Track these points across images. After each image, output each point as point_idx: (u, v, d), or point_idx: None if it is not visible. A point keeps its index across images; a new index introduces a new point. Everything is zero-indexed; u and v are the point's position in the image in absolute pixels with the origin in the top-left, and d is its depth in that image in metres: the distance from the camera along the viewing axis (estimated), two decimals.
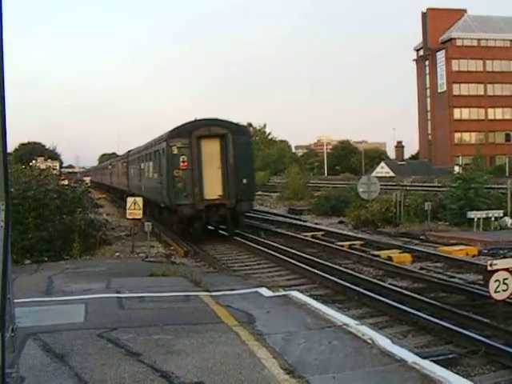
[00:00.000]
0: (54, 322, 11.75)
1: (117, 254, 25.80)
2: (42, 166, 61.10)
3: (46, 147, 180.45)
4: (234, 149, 29.76)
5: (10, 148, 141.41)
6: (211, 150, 30.02)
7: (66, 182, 36.61)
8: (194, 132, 29.66)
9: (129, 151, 55.44)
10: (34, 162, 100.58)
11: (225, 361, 9.02)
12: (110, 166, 75.88)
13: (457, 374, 9.06)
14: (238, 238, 30.46)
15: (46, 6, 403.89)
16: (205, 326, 11.32)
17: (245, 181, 30.05)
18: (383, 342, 9.93)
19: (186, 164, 29.26)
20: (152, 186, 35.98)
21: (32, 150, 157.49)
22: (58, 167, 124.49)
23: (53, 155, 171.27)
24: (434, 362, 9.13)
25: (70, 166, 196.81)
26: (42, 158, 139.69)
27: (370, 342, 9.92)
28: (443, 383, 7.90)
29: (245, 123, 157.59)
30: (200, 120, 31.05)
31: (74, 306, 13.34)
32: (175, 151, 29.54)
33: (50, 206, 24.27)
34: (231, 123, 31.61)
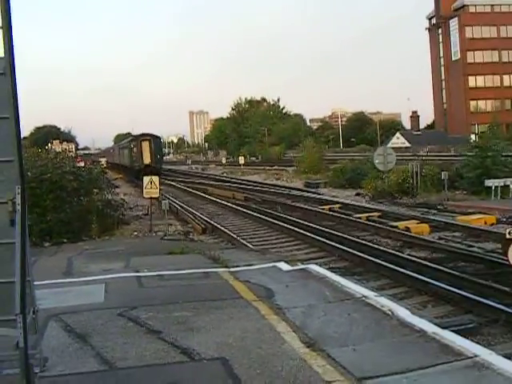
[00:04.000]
0: (74, 302, 11.80)
1: (135, 233, 25.91)
2: (58, 149, 61.32)
3: (62, 130, 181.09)
4: (153, 144, 67.89)
5: (26, 132, 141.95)
6: (146, 145, 66.83)
7: (82, 164, 36.74)
8: (139, 138, 69.34)
9: (117, 143, 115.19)
10: (49, 145, 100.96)
11: (245, 336, 9.04)
12: (111, 150, 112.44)
13: (477, 343, 9.03)
14: (255, 214, 30.59)
15: None
16: (224, 301, 11.34)
17: (158, 156, 68.57)
18: (402, 313, 9.92)
19: (135, 150, 67.60)
20: (125, 159, 75.92)
21: (47, 134, 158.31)
22: (73, 149, 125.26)
23: (68, 138, 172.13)
24: (454, 331, 9.10)
25: (86, 148, 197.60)
26: (58, 141, 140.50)
27: (389, 313, 9.92)
28: (464, 353, 7.88)
29: (259, 98, 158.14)
30: (142, 134, 72.19)
31: (94, 286, 13.39)
32: (132, 146, 69.42)
33: (67, 188, 24.31)
34: (152, 134, 71.36)
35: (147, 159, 65.44)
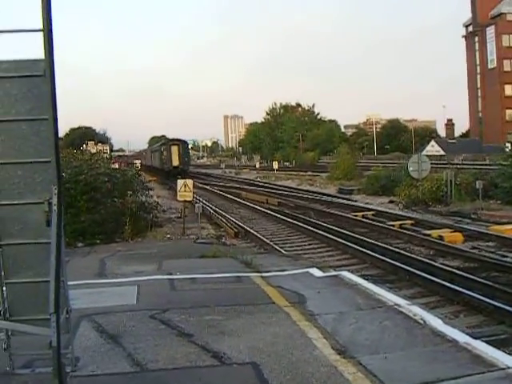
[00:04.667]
0: (107, 303, 11.88)
1: (168, 235, 25.99)
2: (93, 150, 61.86)
3: (97, 131, 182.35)
4: (182, 149, 77.25)
5: (61, 133, 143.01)
6: (175, 149, 76.45)
7: (116, 166, 36.95)
8: (169, 143, 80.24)
9: (149, 147, 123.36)
10: (84, 146, 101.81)
11: (276, 341, 9.05)
12: (144, 153, 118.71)
13: (509, 354, 8.95)
14: (288, 219, 30.59)
15: None
16: (256, 306, 11.36)
17: (186, 159, 78.63)
18: (435, 322, 9.87)
19: (165, 153, 76.81)
20: (156, 161, 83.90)
21: (83, 135, 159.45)
22: (108, 151, 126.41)
23: (103, 139, 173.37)
24: (486, 342, 9.03)
25: (121, 150, 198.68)
26: (93, 142, 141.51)
27: (421, 322, 9.87)
28: (496, 364, 7.82)
29: (293, 103, 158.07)
30: (172, 139, 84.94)
31: (127, 287, 13.47)
32: (162, 149, 78.61)
33: (101, 189, 24.50)
34: (181, 140, 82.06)
35: (176, 161, 75.59)
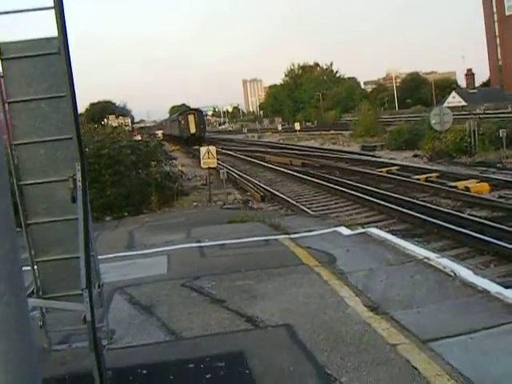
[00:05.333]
0: (138, 275, 11.95)
1: (194, 203, 26.06)
2: (114, 124, 62.05)
3: (117, 104, 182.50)
4: (197, 117, 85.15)
5: (81, 108, 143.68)
6: (191, 118, 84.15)
7: (138, 137, 37.00)
8: (186, 112, 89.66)
9: (168, 117, 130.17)
10: (105, 120, 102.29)
11: (308, 302, 9.09)
12: (164, 123, 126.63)
13: None
14: (313, 179, 30.57)
15: None
16: (286, 268, 11.39)
17: (202, 126, 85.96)
18: (465, 273, 9.85)
19: (183, 122, 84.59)
20: (175, 130, 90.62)
21: (103, 109, 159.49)
22: (129, 123, 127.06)
23: (124, 112, 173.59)
24: None
25: (142, 121, 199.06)
26: (114, 116, 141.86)
27: (451, 274, 9.86)
28: None
29: (311, 63, 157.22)
30: (188, 108, 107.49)
31: (157, 258, 13.53)
32: (180, 119, 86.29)
33: (124, 162, 24.53)
34: (196, 109, 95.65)
35: (193, 129, 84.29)
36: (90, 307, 6.30)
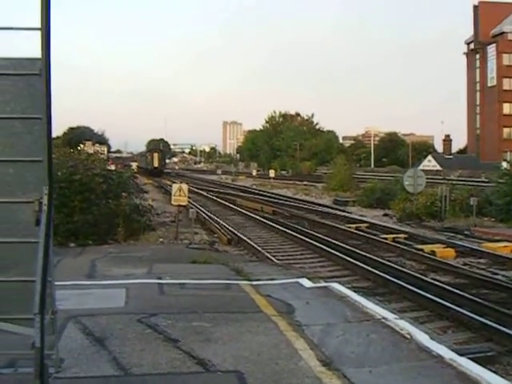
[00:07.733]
0: (95, 305, 11.84)
1: (160, 239, 25.98)
2: (90, 151, 61.93)
3: (95, 131, 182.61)
4: (161, 155, 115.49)
5: (59, 132, 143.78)
6: (156, 155, 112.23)
7: (112, 167, 36.93)
8: (152, 150, 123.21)
9: (141, 152, 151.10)
10: (82, 145, 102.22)
11: (262, 350, 9.03)
12: (137, 156, 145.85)
13: (494, 372, 8.96)
14: (282, 228, 30.60)
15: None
16: (244, 314, 11.34)
17: (163, 162, 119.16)
18: (421, 337, 9.85)
19: (149, 157, 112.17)
20: (143, 163, 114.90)
21: (81, 134, 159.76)
22: (105, 152, 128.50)
23: (101, 140, 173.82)
24: (472, 359, 9.01)
25: (118, 151, 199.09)
26: (90, 142, 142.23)
27: (408, 336, 9.85)
28: (479, 381, 7.81)
29: (293, 112, 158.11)
30: (153, 147, 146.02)
31: (116, 290, 13.44)
32: (147, 155, 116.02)
33: (95, 190, 24.47)
34: (159, 148, 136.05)
35: (156, 164, 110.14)
36: (40, 333, 6.22)
